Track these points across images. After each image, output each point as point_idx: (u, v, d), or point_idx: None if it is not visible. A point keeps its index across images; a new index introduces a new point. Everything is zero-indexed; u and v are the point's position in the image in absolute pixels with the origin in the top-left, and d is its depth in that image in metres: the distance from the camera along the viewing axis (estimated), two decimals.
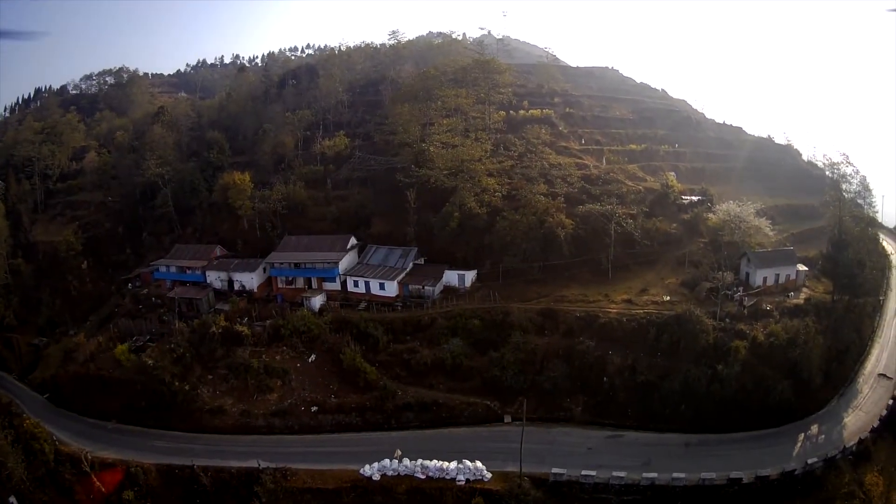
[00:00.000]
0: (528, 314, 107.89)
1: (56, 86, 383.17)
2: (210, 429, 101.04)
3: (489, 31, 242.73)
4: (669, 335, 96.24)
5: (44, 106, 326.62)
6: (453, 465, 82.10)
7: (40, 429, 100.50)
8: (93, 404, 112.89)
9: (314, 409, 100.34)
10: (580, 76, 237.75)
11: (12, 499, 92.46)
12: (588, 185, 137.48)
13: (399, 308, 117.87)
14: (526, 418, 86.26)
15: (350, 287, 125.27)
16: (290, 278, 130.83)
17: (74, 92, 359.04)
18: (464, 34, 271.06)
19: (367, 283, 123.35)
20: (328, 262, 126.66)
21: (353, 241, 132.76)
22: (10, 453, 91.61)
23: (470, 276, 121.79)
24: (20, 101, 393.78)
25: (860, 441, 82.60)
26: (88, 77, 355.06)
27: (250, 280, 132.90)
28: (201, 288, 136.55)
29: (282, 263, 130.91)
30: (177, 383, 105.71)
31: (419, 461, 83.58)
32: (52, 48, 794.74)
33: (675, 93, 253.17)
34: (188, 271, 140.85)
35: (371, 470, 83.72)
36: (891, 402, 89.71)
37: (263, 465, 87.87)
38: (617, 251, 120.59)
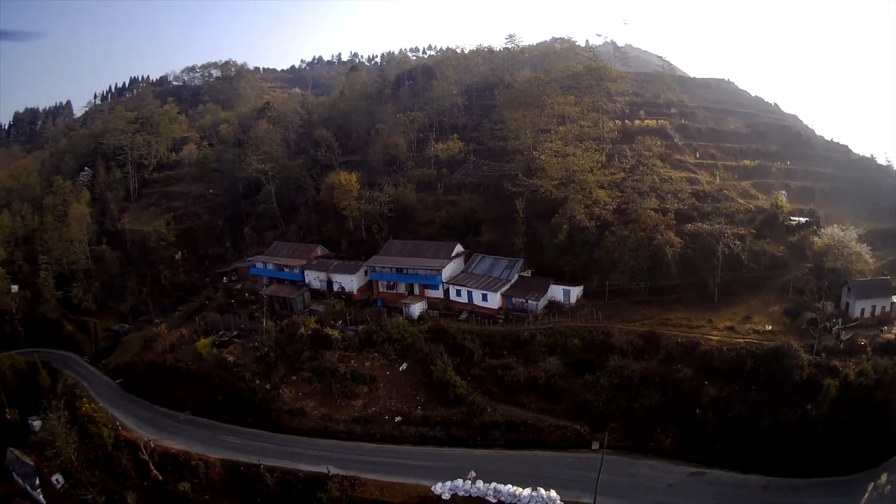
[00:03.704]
0: (629, 336, 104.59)
1: (154, 76, 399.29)
2: (287, 429, 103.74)
3: (610, 39, 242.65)
4: (766, 368, 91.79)
5: (139, 96, 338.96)
6: (527, 491, 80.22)
7: (101, 413, 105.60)
8: (165, 394, 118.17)
9: (398, 419, 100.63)
10: (696, 87, 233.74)
11: (57, 476, 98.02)
12: (698, 202, 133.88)
13: (500, 321, 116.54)
14: (614, 447, 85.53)
15: (452, 296, 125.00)
16: (392, 283, 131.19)
17: (176, 83, 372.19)
18: (587, 41, 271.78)
19: (469, 293, 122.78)
20: (431, 269, 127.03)
21: (458, 248, 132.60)
22: (60, 433, 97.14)
23: (576, 291, 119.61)
24: (112, 90, 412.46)
25: None
26: (191, 69, 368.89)
27: (350, 282, 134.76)
28: (297, 287, 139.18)
29: (383, 267, 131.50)
30: (258, 381, 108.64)
31: (493, 484, 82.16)
32: (155, 39, 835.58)
33: (786, 107, 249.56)
34: (286, 269, 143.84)
35: (442, 488, 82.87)
36: None
37: (333, 471, 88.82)
38: (723, 274, 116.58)
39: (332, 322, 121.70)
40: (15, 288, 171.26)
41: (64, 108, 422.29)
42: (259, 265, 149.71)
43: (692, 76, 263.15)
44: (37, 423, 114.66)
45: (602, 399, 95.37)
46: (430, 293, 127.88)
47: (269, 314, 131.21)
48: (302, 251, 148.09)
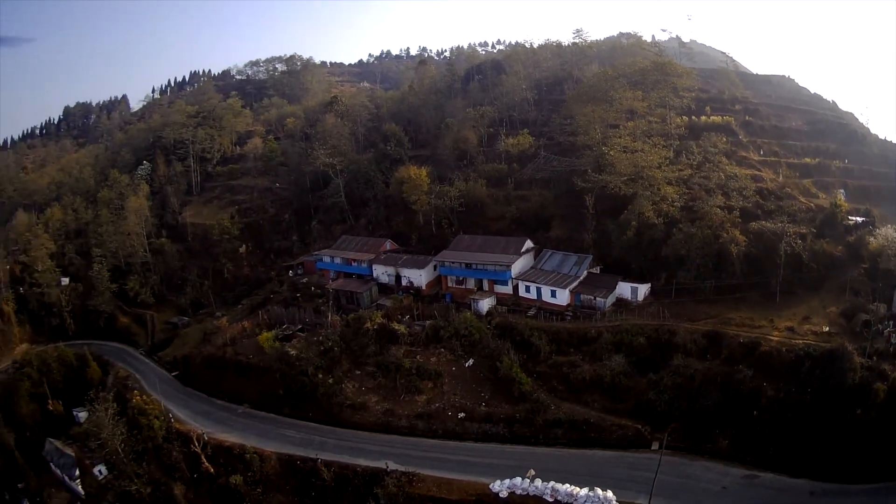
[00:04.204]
0: (693, 336, 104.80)
1: (216, 71, 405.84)
2: (349, 424, 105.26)
3: (675, 35, 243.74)
4: (821, 371, 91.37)
5: (200, 90, 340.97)
6: (584, 491, 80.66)
7: (152, 405, 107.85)
8: (223, 387, 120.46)
9: (461, 415, 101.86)
10: (759, 83, 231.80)
11: (100, 467, 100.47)
12: (762, 200, 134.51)
13: (568, 318, 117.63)
14: (673, 447, 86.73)
15: (521, 292, 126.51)
16: (461, 278, 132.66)
17: (239, 77, 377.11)
18: (652, 37, 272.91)
19: (538, 289, 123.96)
20: (500, 265, 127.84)
21: (528, 244, 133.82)
22: (106, 425, 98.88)
23: (643, 289, 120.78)
24: (172, 84, 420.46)
25: None
26: (255, 63, 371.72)
27: (418, 277, 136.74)
28: (364, 282, 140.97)
29: (453, 262, 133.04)
30: (320, 375, 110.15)
31: (551, 483, 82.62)
32: (216, 35, 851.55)
33: (843, 105, 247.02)
34: (354, 263, 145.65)
35: (500, 486, 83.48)
36: None
37: (392, 467, 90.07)
38: (785, 273, 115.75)
39: (399, 317, 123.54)
40: (65, 280, 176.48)
41: (119, 103, 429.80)
42: (326, 259, 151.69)
43: (755, 73, 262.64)
44: (82, 415, 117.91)
45: (664, 399, 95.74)
46: (500, 289, 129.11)
47: (335, 308, 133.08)
48: (370, 245, 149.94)
